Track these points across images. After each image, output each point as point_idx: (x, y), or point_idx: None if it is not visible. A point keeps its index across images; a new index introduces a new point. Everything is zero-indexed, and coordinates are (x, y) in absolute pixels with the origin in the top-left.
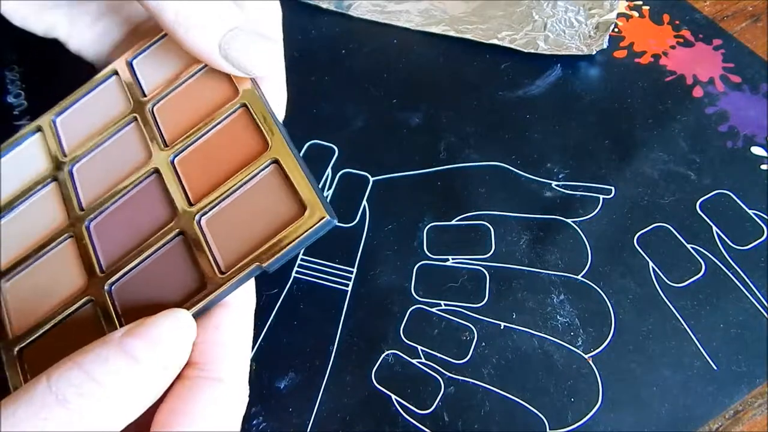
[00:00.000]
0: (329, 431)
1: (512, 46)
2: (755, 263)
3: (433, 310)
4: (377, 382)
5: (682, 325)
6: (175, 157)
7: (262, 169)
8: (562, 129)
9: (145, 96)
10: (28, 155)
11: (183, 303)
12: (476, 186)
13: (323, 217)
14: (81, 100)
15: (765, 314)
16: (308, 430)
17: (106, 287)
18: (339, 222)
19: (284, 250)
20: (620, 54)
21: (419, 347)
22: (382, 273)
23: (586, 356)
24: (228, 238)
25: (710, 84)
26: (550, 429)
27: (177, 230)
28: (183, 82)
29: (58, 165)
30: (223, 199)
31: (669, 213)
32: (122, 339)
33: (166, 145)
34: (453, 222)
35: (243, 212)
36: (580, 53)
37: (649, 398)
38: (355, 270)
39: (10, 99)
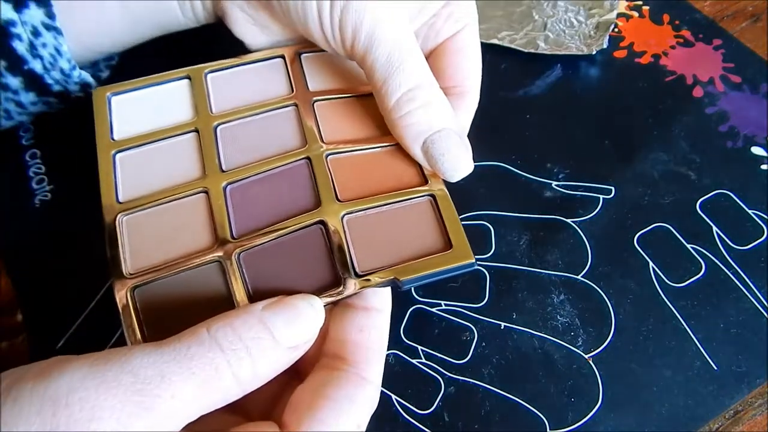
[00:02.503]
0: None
1: (512, 46)
2: (755, 263)
3: (433, 310)
4: None
5: (682, 325)
6: (331, 154)
7: (417, 197)
8: (562, 129)
9: (308, 89)
10: (173, 97)
11: (311, 289)
12: (476, 186)
13: (470, 260)
14: (237, 68)
15: (765, 314)
16: None
17: (236, 253)
18: None
19: (424, 273)
20: (620, 54)
21: (419, 347)
22: None
23: (586, 356)
24: (368, 244)
25: (710, 84)
26: (550, 429)
27: (318, 219)
28: (347, 96)
29: (203, 119)
30: (371, 208)
31: (669, 213)
32: (263, 312)
33: (323, 141)
34: None
35: (387, 227)
36: (580, 53)
37: (649, 398)
38: None
39: None
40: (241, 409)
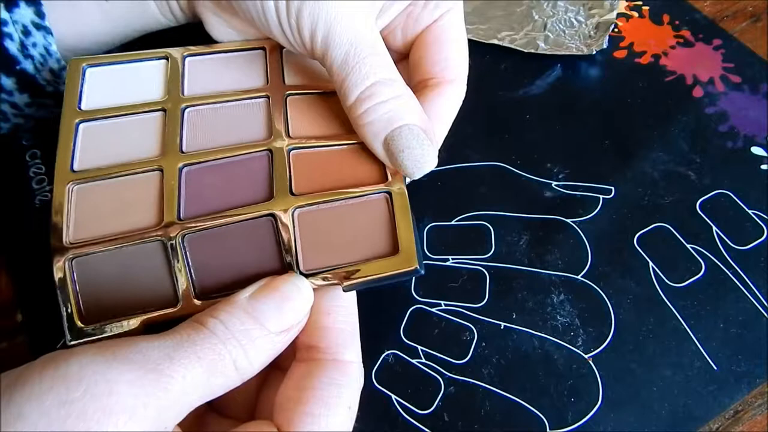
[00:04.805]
0: None
1: (512, 46)
2: (755, 263)
3: (433, 310)
4: (377, 382)
5: (682, 325)
6: (294, 149)
7: (372, 194)
8: (562, 129)
9: (284, 83)
10: (147, 76)
11: (256, 280)
12: (476, 186)
13: (413, 266)
14: (217, 54)
15: (765, 314)
16: None
17: (180, 234)
18: None
19: (366, 280)
20: (620, 54)
21: (419, 347)
22: None
23: (586, 356)
24: (316, 242)
25: (710, 84)
26: (550, 429)
27: (269, 212)
28: (320, 93)
29: (173, 100)
30: (324, 203)
31: (669, 213)
32: (249, 302)
33: (289, 135)
34: (453, 222)
35: (338, 224)
36: (580, 53)
37: (649, 398)
38: None
39: None
40: (227, 409)
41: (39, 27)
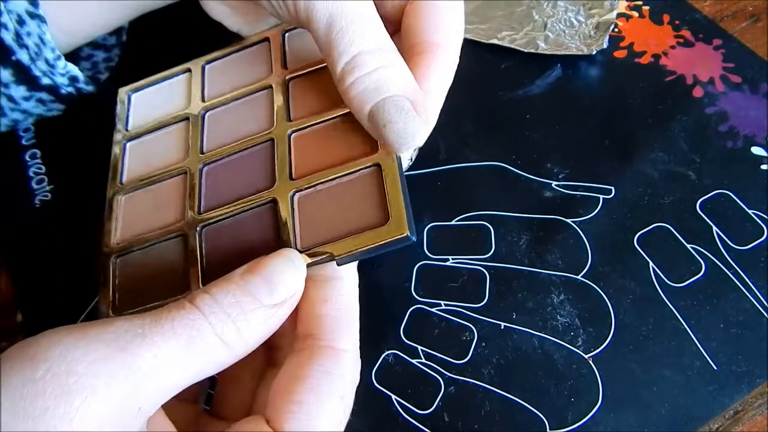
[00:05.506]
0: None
1: (512, 46)
2: (755, 263)
3: (433, 310)
4: (377, 382)
5: (682, 325)
6: (294, 131)
7: (363, 169)
8: (562, 129)
9: (286, 68)
10: (173, 91)
11: None
12: (476, 186)
13: (403, 233)
14: (231, 56)
15: (765, 314)
16: None
17: (198, 227)
18: None
19: (358, 251)
20: (620, 54)
21: (419, 347)
22: (382, 273)
23: (586, 356)
24: (312, 221)
25: (710, 84)
26: (550, 429)
27: (271, 198)
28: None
29: (195, 107)
30: (320, 184)
31: (669, 213)
32: (241, 277)
33: (290, 120)
34: (453, 222)
35: (334, 202)
36: (580, 53)
37: (649, 398)
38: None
39: None
40: (223, 410)
41: (33, 16)
